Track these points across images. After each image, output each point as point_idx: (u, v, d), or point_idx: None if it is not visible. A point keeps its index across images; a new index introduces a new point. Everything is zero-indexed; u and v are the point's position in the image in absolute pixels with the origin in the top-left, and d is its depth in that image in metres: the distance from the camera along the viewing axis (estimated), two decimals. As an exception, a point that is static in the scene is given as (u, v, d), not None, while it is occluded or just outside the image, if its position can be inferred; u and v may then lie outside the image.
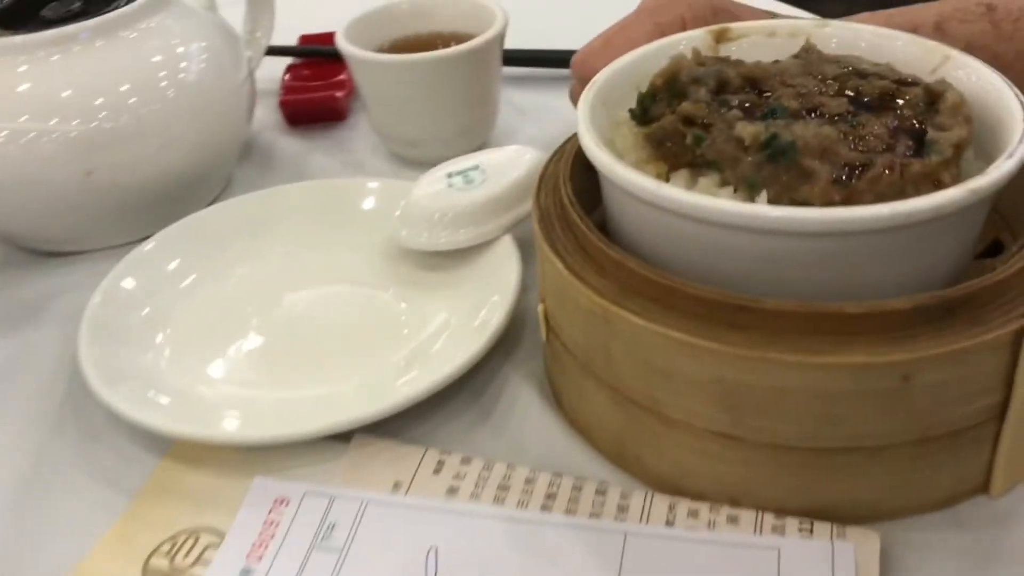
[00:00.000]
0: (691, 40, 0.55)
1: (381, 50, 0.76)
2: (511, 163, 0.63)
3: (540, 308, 0.51)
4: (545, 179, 0.53)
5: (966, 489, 0.46)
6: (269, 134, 0.82)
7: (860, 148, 0.45)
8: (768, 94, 0.49)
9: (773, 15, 0.61)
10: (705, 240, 0.44)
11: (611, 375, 0.47)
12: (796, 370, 0.41)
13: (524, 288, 0.57)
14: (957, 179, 0.44)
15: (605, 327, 0.45)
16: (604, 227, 0.51)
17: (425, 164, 0.73)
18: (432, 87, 0.71)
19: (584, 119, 0.49)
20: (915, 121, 0.46)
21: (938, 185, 0.43)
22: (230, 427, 0.51)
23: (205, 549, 0.47)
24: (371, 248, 0.65)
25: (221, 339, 0.59)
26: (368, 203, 0.67)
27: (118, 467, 0.52)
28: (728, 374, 0.42)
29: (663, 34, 0.57)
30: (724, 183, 0.46)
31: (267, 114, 0.85)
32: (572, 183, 0.51)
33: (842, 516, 0.45)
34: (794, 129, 0.45)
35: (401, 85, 0.71)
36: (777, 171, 0.44)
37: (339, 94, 0.82)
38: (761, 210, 0.41)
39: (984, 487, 0.46)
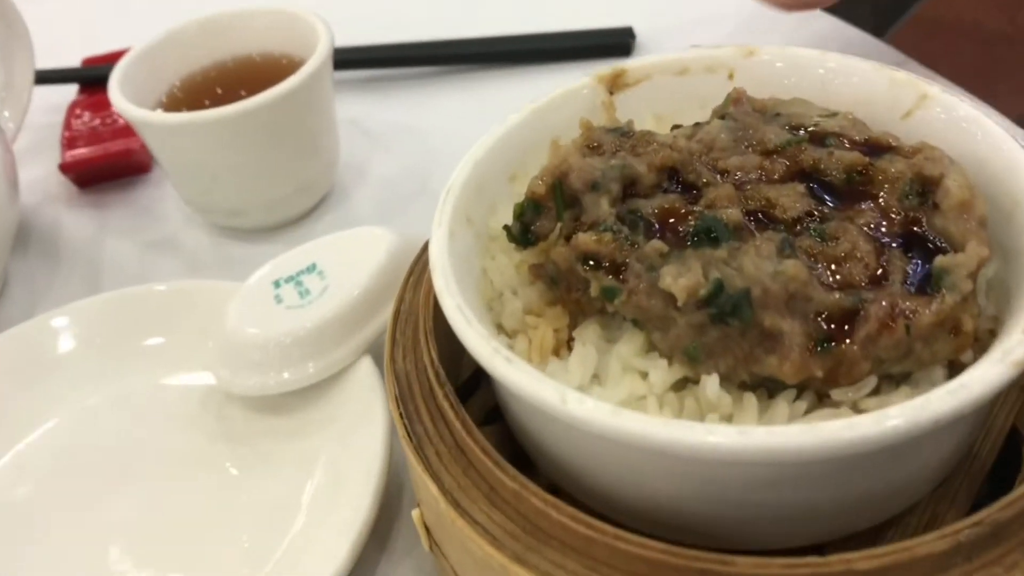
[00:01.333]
0: (576, 94, 0.40)
1: (172, 94, 0.58)
2: (359, 256, 0.48)
3: (415, 515, 0.37)
4: (401, 320, 0.39)
5: None
6: (50, 210, 0.64)
7: (839, 279, 0.31)
8: (696, 191, 0.35)
9: None
10: (637, 463, 0.30)
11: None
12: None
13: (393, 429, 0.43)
14: (977, 317, 0.31)
15: (509, 583, 0.31)
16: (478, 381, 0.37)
17: (255, 232, 0.58)
18: (247, 146, 0.54)
19: (441, 265, 0.34)
20: (906, 222, 0.33)
21: (956, 333, 0.30)
22: None
23: None
24: (186, 394, 0.49)
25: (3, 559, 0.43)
26: (177, 323, 0.51)
27: None
28: (695, 661, 0.29)
29: None
30: (653, 347, 0.32)
31: (47, 176, 0.66)
32: (439, 334, 0.36)
33: None
34: (744, 266, 0.31)
35: (203, 149, 0.54)
36: (728, 336, 0.30)
37: (134, 144, 0.64)
38: (722, 441, 0.27)
39: None
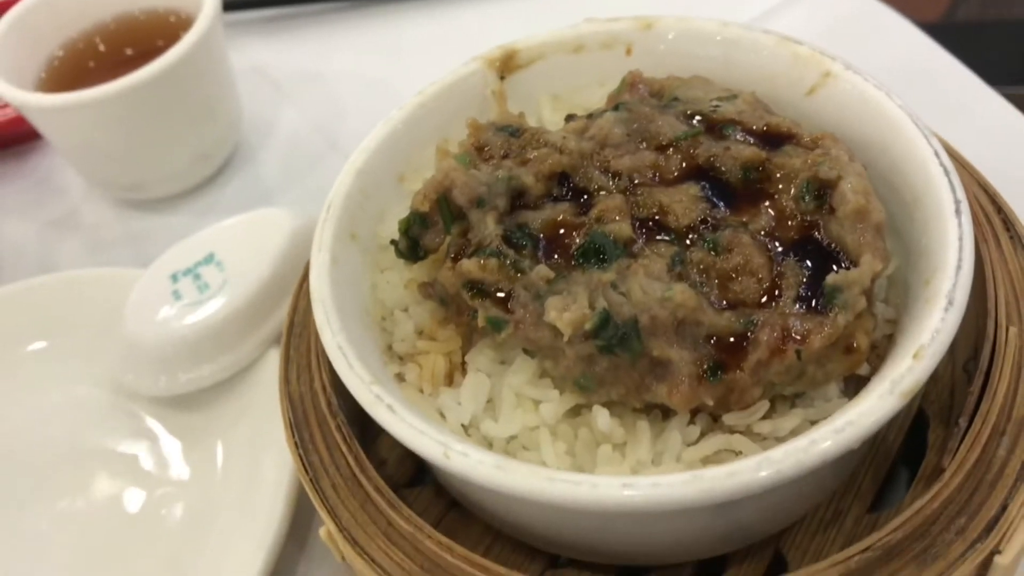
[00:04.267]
0: (465, 83, 0.38)
1: (52, 65, 0.54)
2: (258, 242, 0.46)
3: (323, 532, 0.36)
4: (295, 332, 0.37)
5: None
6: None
7: (731, 298, 0.30)
8: (588, 196, 0.33)
9: None
10: (532, 509, 0.30)
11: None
12: None
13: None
14: (871, 333, 0.30)
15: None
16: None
17: (157, 202, 0.55)
18: (138, 121, 0.51)
19: (321, 297, 0.32)
20: (802, 225, 0.32)
21: (850, 351, 0.30)
22: None
23: None
24: (89, 405, 0.47)
25: None
26: (81, 317, 0.48)
27: None
28: None
29: None
30: (543, 375, 0.31)
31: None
32: (330, 367, 0.35)
33: None
34: (632, 290, 0.30)
35: (92, 128, 0.51)
36: (618, 366, 0.29)
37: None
38: (607, 495, 0.26)
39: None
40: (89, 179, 0.57)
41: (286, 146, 0.59)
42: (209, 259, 0.46)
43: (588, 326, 0.29)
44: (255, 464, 0.42)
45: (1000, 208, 0.35)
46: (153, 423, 0.46)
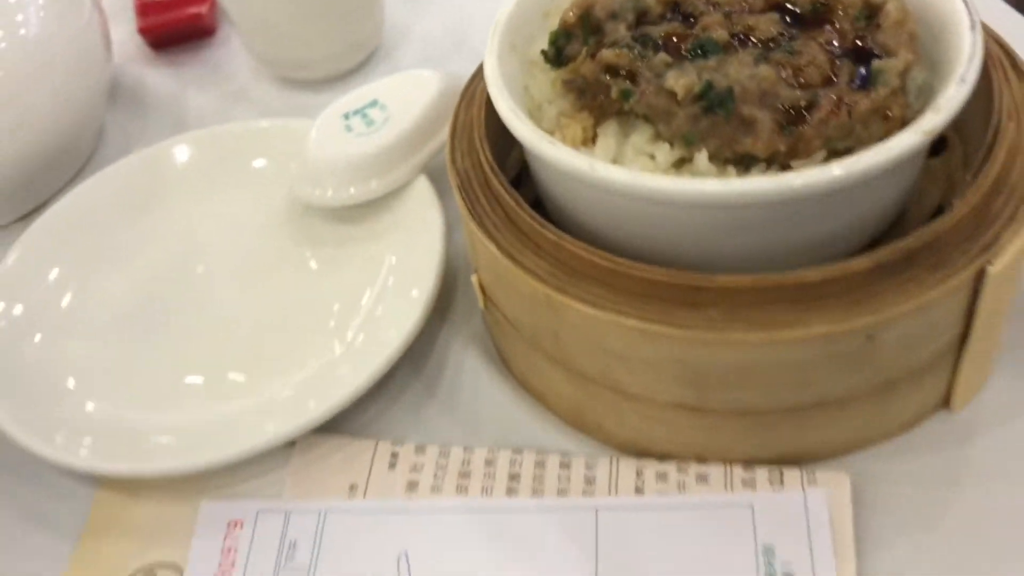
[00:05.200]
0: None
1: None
2: (413, 93, 0.57)
3: (474, 279, 0.48)
4: (458, 132, 0.48)
5: (928, 409, 0.46)
6: (134, 68, 0.74)
7: (801, 83, 0.41)
8: (693, 19, 0.44)
9: None
10: (647, 216, 0.41)
11: (561, 355, 0.44)
12: (760, 347, 0.39)
13: (448, 228, 0.53)
14: (905, 107, 0.41)
15: (550, 313, 0.42)
16: (520, 181, 0.47)
17: (316, 83, 0.67)
18: (309, 6, 0.63)
19: (494, 79, 0.43)
20: (855, 39, 0.42)
21: (887, 119, 0.40)
22: (164, 456, 0.47)
23: (166, 589, 0.45)
24: (274, 209, 0.59)
25: (131, 355, 0.53)
26: (262, 152, 0.61)
27: (54, 509, 0.49)
28: (689, 356, 0.40)
29: None
30: (658, 137, 0.42)
31: (125, 39, 0.75)
32: (490, 140, 0.46)
33: (811, 457, 0.44)
34: (729, 72, 0.41)
35: (275, 6, 0.63)
36: (716, 123, 0.40)
37: (202, 10, 0.73)
38: (706, 186, 0.38)
39: (945, 403, 0.46)
40: (260, 58, 0.69)
41: (421, 46, 0.71)
42: (374, 103, 0.58)
43: (696, 90, 0.40)
44: (407, 259, 0.54)
45: (1008, 52, 0.46)
46: (323, 229, 0.58)
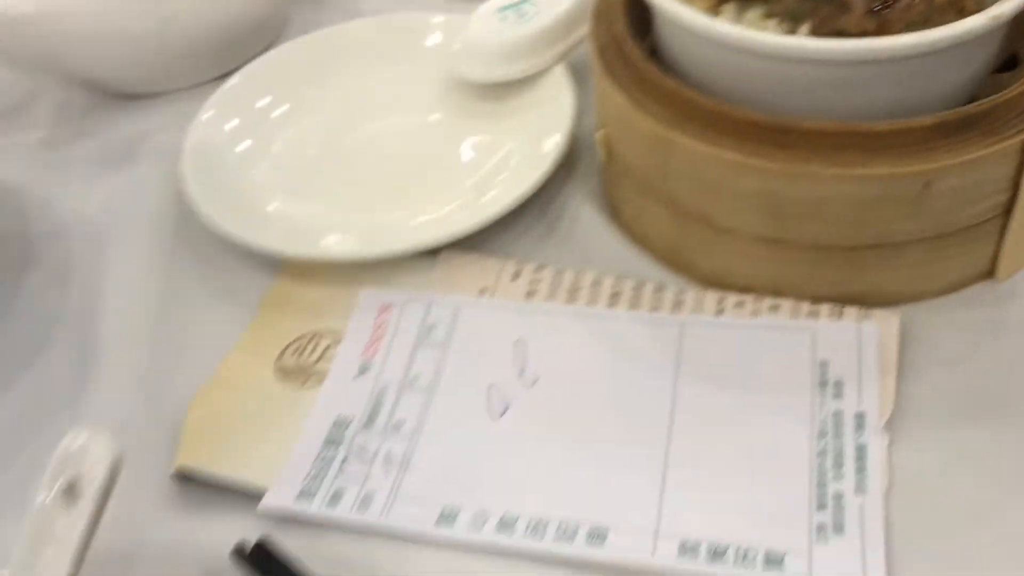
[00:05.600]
0: None
1: None
2: (560, -5, 0.68)
3: (598, 135, 0.58)
4: (600, 14, 0.59)
5: (975, 275, 0.54)
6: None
7: (890, -20, 0.50)
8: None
9: None
10: (752, 69, 0.50)
11: (667, 192, 0.54)
12: (832, 181, 0.48)
13: (578, 113, 0.63)
14: (979, 5, 0.49)
15: (663, 150, 0.52)
16: (655, 54, 0.57)
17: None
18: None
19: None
20: (940, -51, 0.51)
21: (962, 12, 0.49)
22: (336, 246, 0.59)
23: (326, 348, 0.56)
24: (435, 82, 0.70)
25: (315, 169, 0.67)
26: (428, 39, 0.73)
27: (236, 286, 0.60)
28: (774, 187, 0.49)
29: None
30: (770, 15, 0.52)
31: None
32: (626, 18, 0.56)
33: (869, 302, 0.53)
34: (832, -37, 0.50)
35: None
36: (818, 5, 0.50)
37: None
38: (803, 43, 0.47)
39: (991, 273, 0.54)
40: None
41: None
42: (527, 0, 0.68)
43: (804, -23, 0.49)
44: (540, 129, 0.64)
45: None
46: (476, 100, 0.69)
